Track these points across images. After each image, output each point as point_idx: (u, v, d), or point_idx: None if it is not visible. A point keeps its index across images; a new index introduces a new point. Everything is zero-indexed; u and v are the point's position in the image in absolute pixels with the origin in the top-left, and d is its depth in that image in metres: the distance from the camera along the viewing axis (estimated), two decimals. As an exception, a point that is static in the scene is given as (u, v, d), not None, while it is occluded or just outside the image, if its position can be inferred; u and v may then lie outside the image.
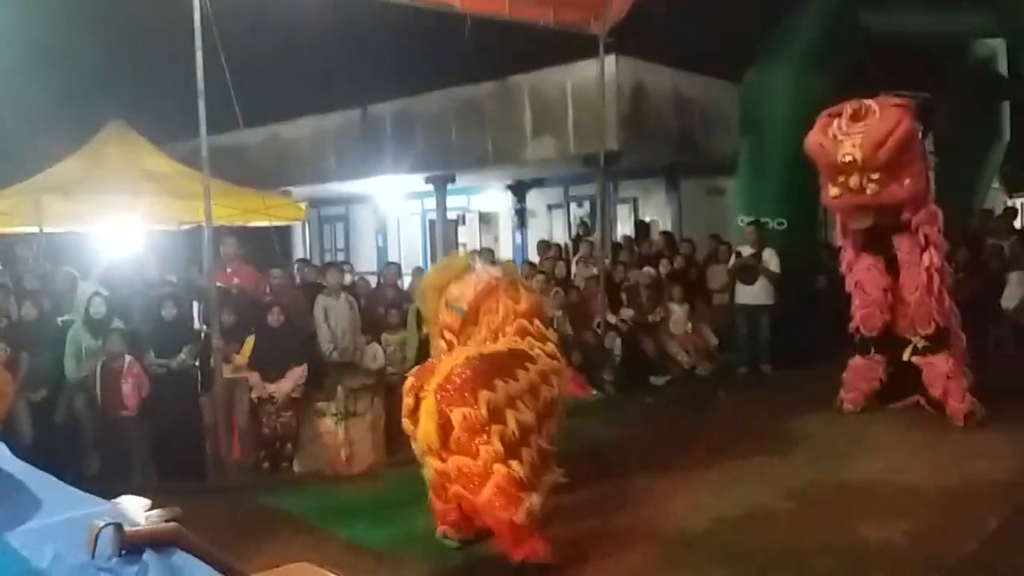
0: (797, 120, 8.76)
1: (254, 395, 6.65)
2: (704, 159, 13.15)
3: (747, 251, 9.12)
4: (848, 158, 6.44)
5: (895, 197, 6.54)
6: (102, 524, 2.00)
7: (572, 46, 10.01)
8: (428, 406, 4.26)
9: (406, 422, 4.49)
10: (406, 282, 10.19)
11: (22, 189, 9.28)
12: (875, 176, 6.44)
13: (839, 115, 6.66)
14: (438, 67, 13.04)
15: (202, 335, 7.09)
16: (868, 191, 6.47)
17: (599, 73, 9.55)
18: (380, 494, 5.59)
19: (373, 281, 9.99)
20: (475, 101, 13.08)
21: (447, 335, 5.19)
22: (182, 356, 6.72)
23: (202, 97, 6.83)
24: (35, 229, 8.81)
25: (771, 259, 8.96)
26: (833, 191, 6.74)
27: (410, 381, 4.53)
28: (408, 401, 4.45)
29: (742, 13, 12.93)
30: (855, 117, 6.58)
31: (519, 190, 15.78)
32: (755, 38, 10.55)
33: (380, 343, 7.57)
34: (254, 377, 6.67)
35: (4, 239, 8.44)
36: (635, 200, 15.02)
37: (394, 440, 6.81)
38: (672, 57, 12.50)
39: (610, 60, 10.60)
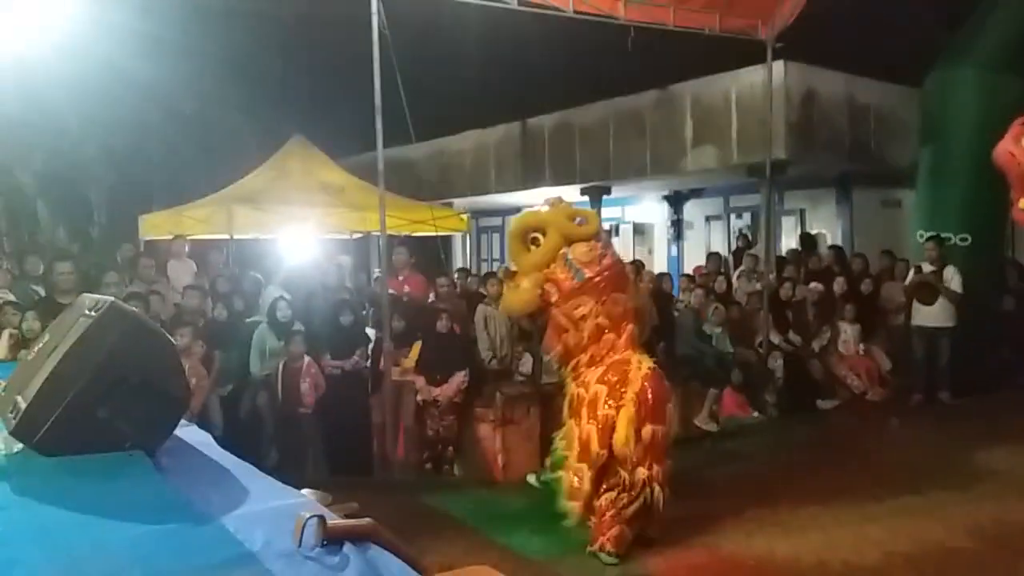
0: (985, 127, 8.16)
1: (419, 398, 6.94)
2: (879, 169, 12.42)
3: (927, 268, 8.54)
4: (1046, 170, 5.95)
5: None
6: (308, 515, 2.19)
7: (738, 52, 9.78)
8: (628, 414, 4.33)
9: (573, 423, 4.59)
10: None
11: (216, 199, 10.16)
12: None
13: (1033, 123, 6.17)
14: (598, 78, 13.10)
15: (374, 339, 7.47)
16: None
17: (766, 79, 9.27)
18: (536, 503, 5.67)
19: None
20: (635, 111, 13.02)
21: (548, 288, 5.23)
22: (355, 358, 7.11)
23: (379, 114, 7.23)
24: (226, 236, 9.61)
25: (953, 278, 8.35)
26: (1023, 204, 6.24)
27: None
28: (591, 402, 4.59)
29: (923, 13, 12.16)
30: (1051, 124, 6.08)
31: (676, 201, 15.54)
32: (937, 39, 9.88)
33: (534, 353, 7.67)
34: (420, 380, 6.96)
35: (200, 245, 9.24)
36: (802, 211, 14.39)
37: (549, 449, 6.94)
38: (845, 61, 11.91)
39: (778, 66, 10.26)
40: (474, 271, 14.23)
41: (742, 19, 8.89)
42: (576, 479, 4.74)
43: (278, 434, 6.87)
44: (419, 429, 6.91)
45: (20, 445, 2.85)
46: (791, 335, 9.17)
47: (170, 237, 8.95)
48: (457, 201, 14.89)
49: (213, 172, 11.52)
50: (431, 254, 10.67)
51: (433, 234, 11.40)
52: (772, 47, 8.99)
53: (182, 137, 13.83)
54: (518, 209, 16.74)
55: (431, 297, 8.43)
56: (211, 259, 8.84)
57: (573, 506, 4.77)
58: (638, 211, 16.26)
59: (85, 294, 3.78)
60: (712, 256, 11.88)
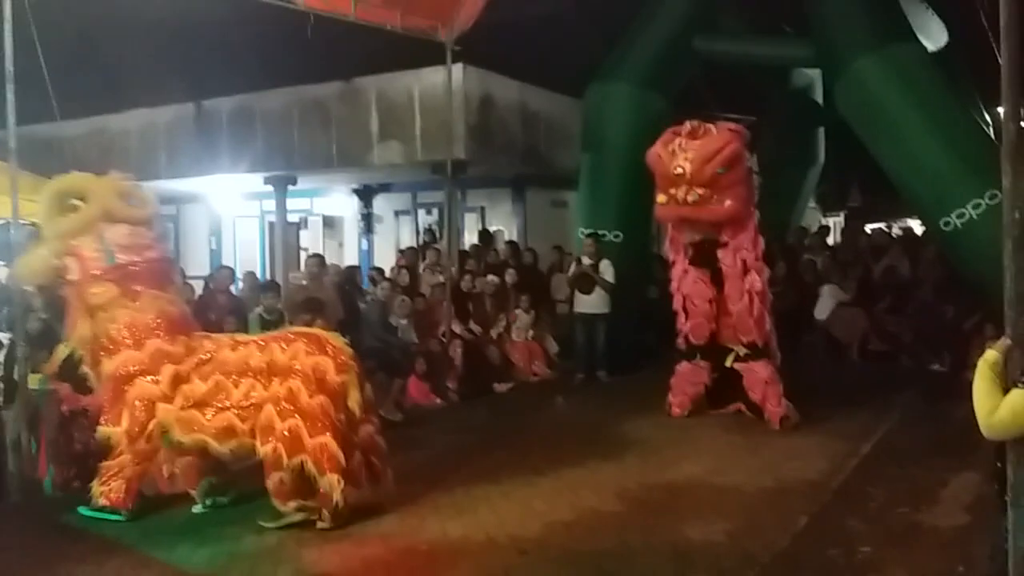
0: (634, 137, 9.17)
1: (65, 408, 6.11)
2: (549, 172, 13.47)
3: (586, 261, 9.41)
4: (679, 170, 6.86)
5: (715, 214, 7.01)
6: None
7: (421, 52, 9.98)
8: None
9: None
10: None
11: None
12: (700, 191, 6.87)
13: (680, 132, 7.07)
14: (281, 64, 12.62)
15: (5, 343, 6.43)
16: (690, 201, 6.87)
17: (446, 81, 9.56)
18: (200, 514, 5.26)
19: (202, 286, 9.48)
20: (320, 101, 12.75)
21: (69, 262, 5.15)
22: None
23: (10, 81, 6.25)
24: None
25: (607, 270, 9.28)
26: (661, 198, 7.16)
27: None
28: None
29: (584, 31, 13.38)
30: (693, 135, 7.02)
31: (366, 195, 15.54)
32: (596, 55, 10.91)
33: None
34: (65, 388, 6.13)
35: None
36: (482, 209, 15.15)
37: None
38: (519, 70, 12.73)
39: (458, 68, 10.65)
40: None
41: (423, 19, 9.06)
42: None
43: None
44: (65, 443, 6.08)
45: None
46: (471, 324, 9.59)
47: None
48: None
49: None
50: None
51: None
52: (451, 49, 9.28)
53: None
54: (194, 197, 15.63)
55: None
56: None
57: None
58: (328, 204, 15.99)
59: None
60: (409, 250, 12.06)
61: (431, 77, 11.31)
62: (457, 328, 9.26)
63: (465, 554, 4.51)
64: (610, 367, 9.41)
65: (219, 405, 4.92)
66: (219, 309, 7.97)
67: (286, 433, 4.72)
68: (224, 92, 13.17)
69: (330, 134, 12.59)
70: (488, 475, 5.86)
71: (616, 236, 9.75)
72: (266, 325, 7.47)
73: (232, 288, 9.06)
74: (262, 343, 5.09)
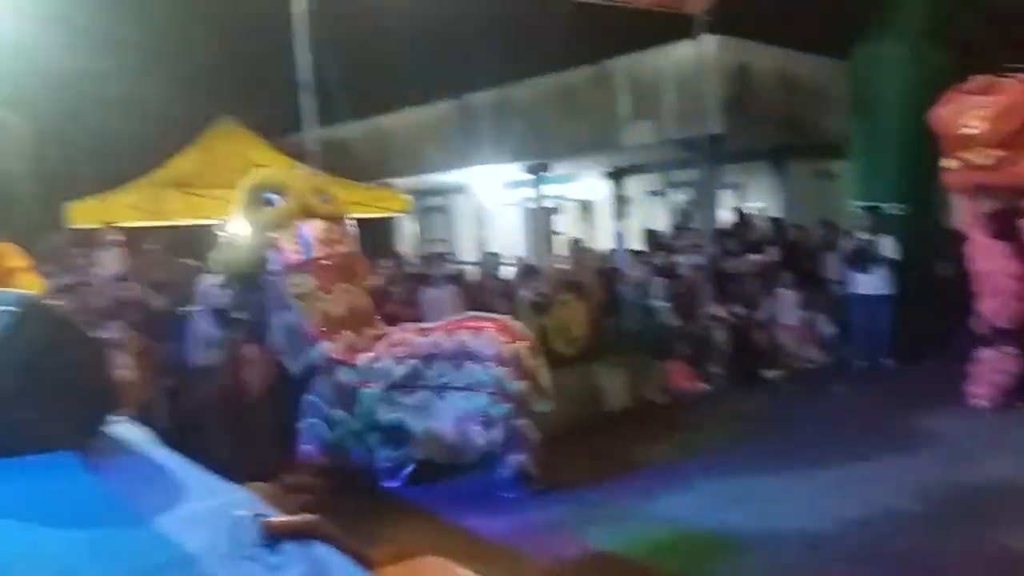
0: (913, 98, 8.32)
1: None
2: (812, 141, 12.62)
3: (862, 237, 8.70)
4: (971, 130, 6.11)
5: (1018, 177, 6.13)
6: (247, 513, 2.05)
7: (669, 27, 9.78)
8: None
9: None
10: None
11: (144, 184, 9.73)
12: (997, 153, 6.07)
13: (968, 90, 6.31)
14: (534, 54, 12.99)
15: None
16: (986, 164, 6.08)
17: (698, 54, 9.27)
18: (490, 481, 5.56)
19: (475, 271, 10.04)
20: (571, 87, 12.95)
21: (271, 254, 5.43)
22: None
23: (308, 92, 7.01)
24: (157, 222, 9.22)
25: (888, 246, 8.52)
26: (951, 163, 6.41)
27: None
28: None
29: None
30: (984, 91, 6.23)
31: (618, 177, 15.56)
32: (864, 12, 10.01)
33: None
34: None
35: (133, 232, 8.85)
36: (739, 185, 14.57)
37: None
38: (776, 35, 12.02)
39: (709, 40, 10.28)
40: (419, 253, 14.09)
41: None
42: None
43: (225, 426, 6.62)
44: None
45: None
46: (734, 306, 9.25)
47: (99, 226, 8.54)
48: (396, 181, 14.63)
49: (143, 157, 11.05)
50: (372, 236, 10.41)
51: (373, 216, 11.19)
52: (701, 21, 9.00)
53: (108, 122, 13.26)
54: (461, 187, 16.63)
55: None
56: (145, 248, 8.48)
57: None
58: (581, 188, 16.24)
59: (4, 289, 3.57)
60: (649, 233, 11.95)
61: (681, 52, 11.02)
62: (719, 311, 8.99)
63: (749, 546, 4.37)
64: (896, 353, 8.62)
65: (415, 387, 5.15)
66: (490, 292, 8.38)
67: None
68: (483, 86, 13.80)
69: (582, 119, 12.73)
70: (762, 465, 5.64)
71: (898, 208, 8.90)
72: (534, 307, 7.77)
73: (498, 272, 9.49)
74: (450, 329, 5.25)
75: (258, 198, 5.47)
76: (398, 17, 12.61)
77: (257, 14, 12.83)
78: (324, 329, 5.43)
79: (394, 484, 5.52)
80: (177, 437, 3.19)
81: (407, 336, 5.36)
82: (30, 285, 4.32)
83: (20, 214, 12.56)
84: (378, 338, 5.45)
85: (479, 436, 5.01)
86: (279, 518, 2.10)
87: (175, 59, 14.06)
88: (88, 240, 8.90)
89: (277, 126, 12.52)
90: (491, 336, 5.06)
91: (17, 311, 2.83)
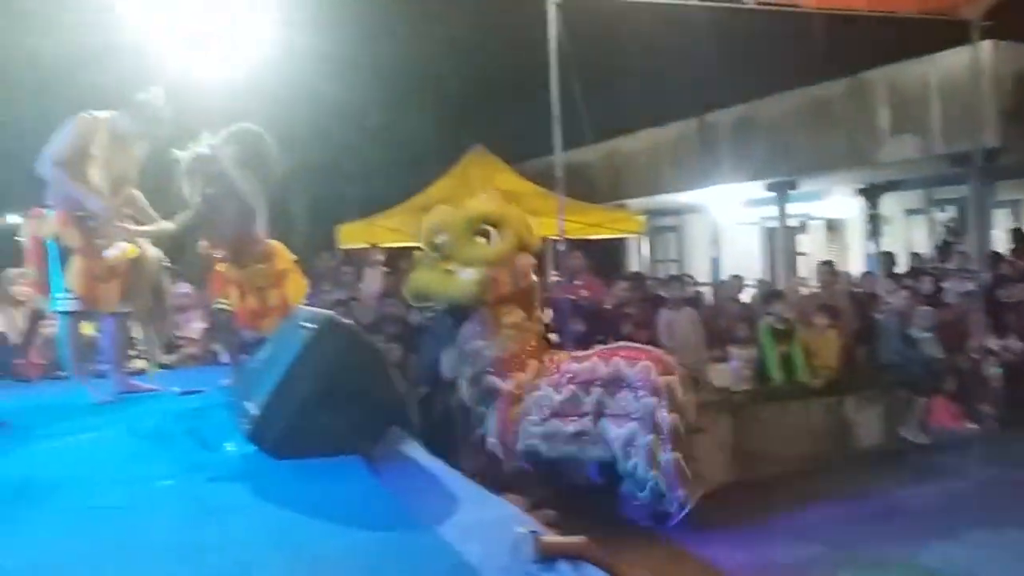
0: None
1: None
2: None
3: None
4: None
5: None
6: (524, 530, 2.20)
7: (937, 34, 9.02)
8: None
9: None
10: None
11: (405, 208, 10.62)
12: None
13: None
14: (780, 69, 12.52)
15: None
16: None
17: (972, 61, 8.46)
18: (729, 515, 5.44)
19: (708, 293, 9.84)
20: (823, 101, 12.30)
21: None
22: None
23: (558, 123, 7.28)
24: (416, 244, 10.00)
25: None
26: None
27: None
28: None
29: None
30: None
31: (871, 194, 14.51)
32: None
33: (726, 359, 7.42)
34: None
35: (393, 252, 9.70)
36: (1016, 204, 13.03)
37: (741, 460, 6.68)
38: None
39: (985, 46, 9.33)
40: (650, 273, 14.06)
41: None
42: None
43: (471, 435, 7.01)
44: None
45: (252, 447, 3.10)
46: (1010, 339, 8.29)
47: (365, 246, 9.44)
48: (631, 202, 14.71)
49: (402, 183, 12.06)
50: (606, 257, 10.61)
51: (608, 236, 11.36)
52: (978, 27, 8.20)
53: (371, 150, 14.58)
54: (695, 207, 16.39)
55: (606, 301, 8.36)
56: (403, 266, 9.23)
57: None
58: (828, 206, 15.34)
59: (299, 306, 4.06)
60: (911, 255, 11.01)
61: (950, 60, 10.09)
62: (993, 344, 8.09)
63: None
64: None
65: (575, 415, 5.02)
66: (729, 316, 8.17)
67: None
68: (724, 104, 13.52)
69: (834, 134, 12.04)
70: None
71: None
72: (776, 333, 7.47)
73: (739, 296, 9.23)
74: (606, 356, 5.10)
75: (473, 230, 5.47)
76: (638, 38, 12.75)
77: (509, 44, 13.60)
78: (523, 359, 5.44)
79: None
80: (428, 444, 3.45)
81: (563, 363, 5.38)
82: (297, 285, 4.87)
83: (297, 236, 14.19)
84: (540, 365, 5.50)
85: (630, 463, 4.89)
86: (553, 537, 2.23)
87: (431, 90, 15.16)
88: (355, 259, 9.87)
89: (520, 152, 13.13)
90: (645, 366, 4.96)
91: (314, 327, 3.23)
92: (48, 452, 3.35)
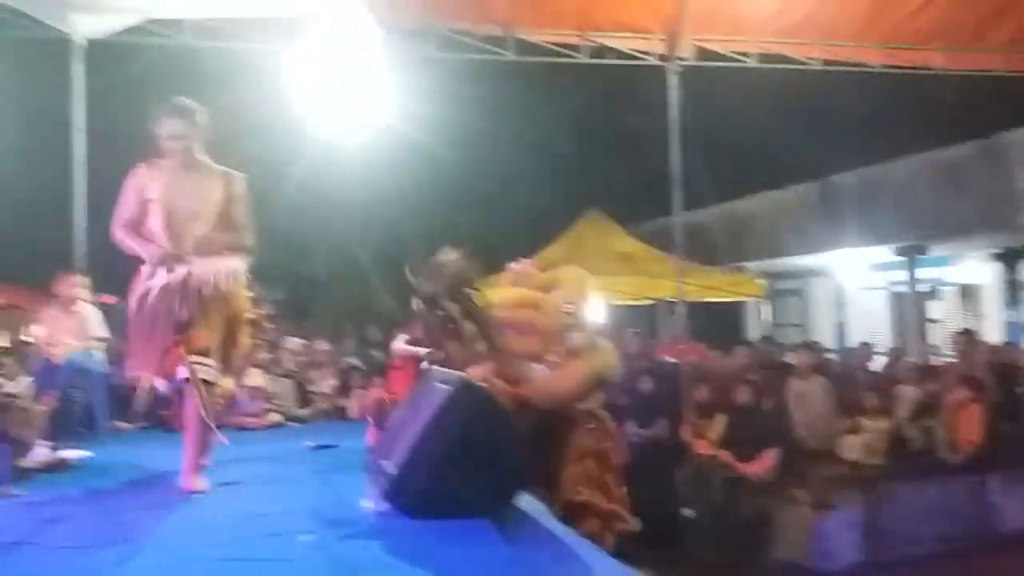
0: None
1: (726, 474, 6.68)
2: None
3: None
4: None
5: None
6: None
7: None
8: None
9: None
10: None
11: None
12: None
13: None
14: (907, 131, 12.14)
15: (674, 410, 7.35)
16: None
17: None
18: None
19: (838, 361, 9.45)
20: (954, 164, 11.79)
21: None
22: (656, 427, 7.05)
23: (678, 186, 7.29)
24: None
25: None
26: None
27: None
28: None
29: None
30: None
31: (1009, 259, 13.67)
32: None
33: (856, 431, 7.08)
34: (725, 455, 6.71)
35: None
36: None
37: (876, 537, 6.31)
38: None
39: None
40: (768, 338, 13.64)
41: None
42: None
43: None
44: (728, 507, 6.62)
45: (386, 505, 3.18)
46: None
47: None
48: (750, 264, 14.40)
49: (519, 243, 12.27)
50: (721, 321, 10.38)
51: (724, 300, 11.14)
52: None
53: (488, 214, 14.96)
54: (818, 271, 15.87)
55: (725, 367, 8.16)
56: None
57: None
58: (960, 271, 14.53)
59: (433, 367, 4.16)
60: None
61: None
62: None
63: None
64: None
65: None
66: (860, 386, 7.82)
67: None
68: (848, 167, 13.17)
69: (966, 197, 11.48)
70: None
71: None
72: (920, 406, 7.11)
73: (869, 364, 8.83)
74: None
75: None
76: (759, 101, 12.66)
77: (624, 108, 13.79)
78: None
79: None
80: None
81: None
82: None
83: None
84: None
85: None
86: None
87: (546, 155, 15.48)
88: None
89: (635, 214, 13.16)
90: None
91: (449, 388, 3.32)
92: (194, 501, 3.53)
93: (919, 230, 12.23)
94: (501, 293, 4.73)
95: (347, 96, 6.35)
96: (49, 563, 2.66)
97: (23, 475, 3.82)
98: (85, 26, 6.01)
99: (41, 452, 4.08)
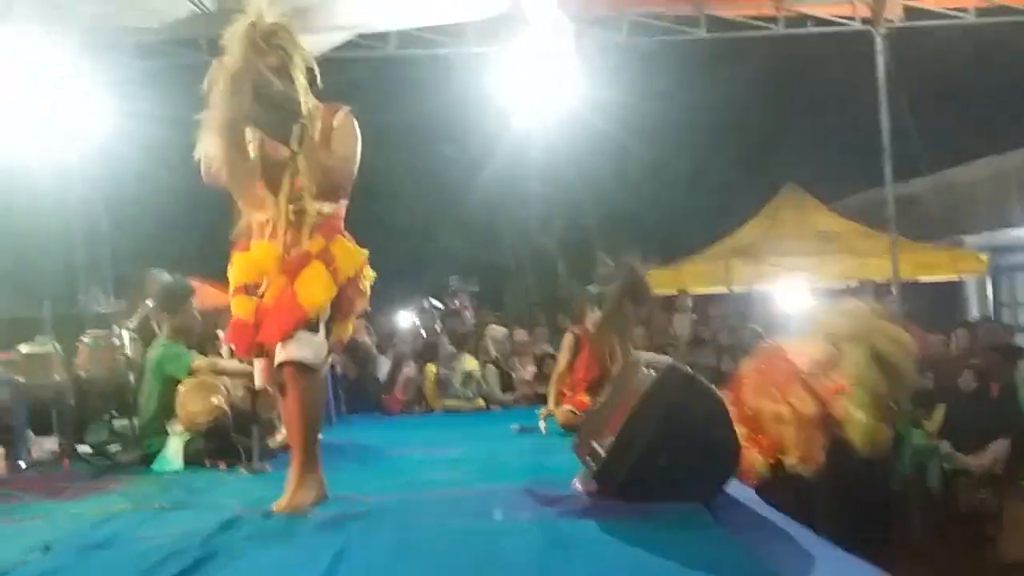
0: None
1: (945, 466, 6.24)
2: None
3: None
4: None
5: None
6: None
7: None
8: None
9: None
10: None
11: (713, 253, 10.55)
12: None
13: None
14: None
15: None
16: None
17: None
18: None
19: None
20: None
21: None
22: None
23: (888, 157, 6.85)
24: (724, 289, 9.90)
25: None
26: None
27: None
28: None
29: None
30: None
31: None
32: None
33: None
34: (944, 446, 6.26)
35: (699, 298, 9.66)
36: None
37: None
38: None
39: None
40: (993, 317, 12.43)
41: None
42: None
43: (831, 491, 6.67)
44: (949, 501, 6.18)
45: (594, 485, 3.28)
46: None
47: (674, 292, 9.52)
48: (968, 238, 13.18)
49: (710, 225, 12.02)
50: (938, 302, 9.56)
51: (942, 279, 10.29)
52: None
53: (680, 198, 14.76)
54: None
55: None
56: (711, 312, 9.18)
57: None
58: None
59: (641, 352, 4.23)
60: None
61: None
62: None
63: None
64: None
65: None
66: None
67: None
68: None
69: None
70: None
71: None
72: None
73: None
74: None
75: None
76: (972, 61, 11.57)
77: (820, 77, 13.05)
78: None
79: None
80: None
81: None
82: None
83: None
84: None
85: None
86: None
87: (737, 131, 14.99)
88: (666, 305, 9.96)
89: (837, 189, 12.43)
90: None
91: (657, 372, 3.36)
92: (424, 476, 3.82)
93: None
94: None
95: (543, 88, 6.53)
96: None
97: (272, 453, 4.30)
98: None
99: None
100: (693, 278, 10.06)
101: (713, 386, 3.31)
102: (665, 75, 12.67)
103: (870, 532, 6.20)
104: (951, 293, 14.33)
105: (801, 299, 10.08)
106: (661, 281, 10.81)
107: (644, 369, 3.40)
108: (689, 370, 3.32)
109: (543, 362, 7.04)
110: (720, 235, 11.07)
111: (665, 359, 3.42)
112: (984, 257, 10.68)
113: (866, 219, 10.11)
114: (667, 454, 3.06)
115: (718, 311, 9.29)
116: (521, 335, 7.14)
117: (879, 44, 6.90)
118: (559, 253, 14.47)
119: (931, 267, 9.42)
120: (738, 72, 14.25)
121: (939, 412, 6.42)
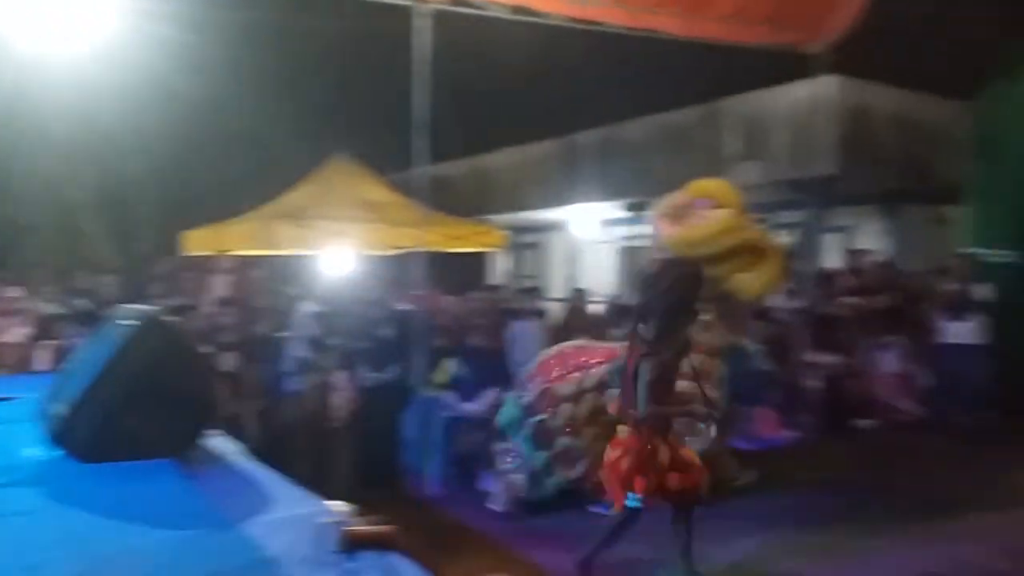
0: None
1: (448, 414, 6.98)
2: (929, 184, 12.14)
3: (958, 285, 8.37)
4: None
5: None
6: (327, 521, 2.24)
7: (786, 66, 9.75)
8: None
9: None
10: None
11: (257, 215, 10.26)
12: None
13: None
14: (644, 93, 13.13)
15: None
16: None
17: (814, 95, 9.18)
18: (575, 522, 5.60)
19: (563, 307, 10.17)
20: (679, 127, 12.98)
21: None
22: (390, 371, 7.19)
23: (421, 133, 7.33)
24: (268, 252, 9.73)
25: (987, 295, 8.14)
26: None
27: None
28: None
29: (978, 25, 11.88)
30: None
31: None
32: (995, 51, 9.66)
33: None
34: (449, 396, 7.01)
35: (240, 260, 9.37)
36: (848, 229, 14.13)
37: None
38: (897, 76, 11.68)
39: (829, 80, 10.15)
40: (510, 287, 14.29)
41: (791, 33, 8.87)
42: None
43: (310, 448, 6.93)
44: (448, 445, 6.94)
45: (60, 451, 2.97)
46: (830, 353, 9.00)
47: (212, 253, 9.10)
48: (494, 218, 14.95)
49: (260, 189, 11.71)
50: (465, 270, 10.67)
51: (469, 251, 11.48)
52: (819, 62, 8.94)
53: (229, 154, 14.11)
54: (555, 225, 16.84)
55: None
56: (250, 275, 8.98)
57: None
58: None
59: (124, 305, 3.90)
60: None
61: (796, 92, 10.90)
62: (814, 357, 8.77)
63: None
64: (996, 407, 8.13)
65: None
66: (575, 329, 8.45)
67: None
68: (588, 125, 14.01)
69: (689, 158, 12.68)
70: (852, 518, 5.47)
71: (1007, 256, 8.51)
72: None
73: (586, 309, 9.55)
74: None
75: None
76: (507, 58, 13.01)
77: (374, 54, 13.51)
78: None
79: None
80: (264, 458, 3.40)
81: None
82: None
83: (138, 239, 13.47)
84: None
85: None
86: (358, 527, 2.28)
87: (293, 96, 14.83)
88: (200, 266, 9.48)
89: (387, 163, 13.07)
90: None
91: (136, 324, 3.13)
92: None
93: (646, 187, 13.34)
94: (701, 231, 5.39)
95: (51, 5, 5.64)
96: None
97: None
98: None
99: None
100: (235, 240, 9.70)
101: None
102: (221, 18, 11.94)
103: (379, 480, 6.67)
104: (478, 265, 16.17)
105: (344, 264, 10.40)
106: (201, 241, 10.30)
107: (123, 321, 3.15)
108: (170, 321, 3.16)
109: (47, 324, 6.23)
110: (266, 199, 10.84)
111: (151, 309, 3.20)
112: (504, 233, 12.10)
113: (409, 194, 10.78)
114: (139, 410, 2.88)
115: (257, 274, 9.12)
116: (12, 292, 6.17)
117: (418, 23, 7.30)
118: (90, 206, 12.94)
119: (459, 239, 10.37)
120: (301, 32, 14.10)
121: (446, 365, 7.14)
